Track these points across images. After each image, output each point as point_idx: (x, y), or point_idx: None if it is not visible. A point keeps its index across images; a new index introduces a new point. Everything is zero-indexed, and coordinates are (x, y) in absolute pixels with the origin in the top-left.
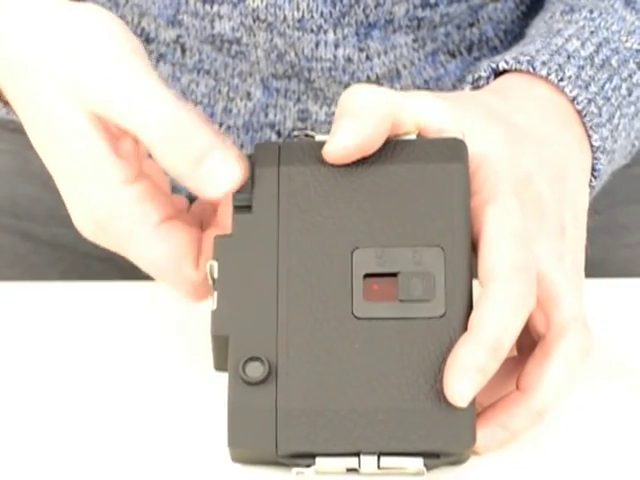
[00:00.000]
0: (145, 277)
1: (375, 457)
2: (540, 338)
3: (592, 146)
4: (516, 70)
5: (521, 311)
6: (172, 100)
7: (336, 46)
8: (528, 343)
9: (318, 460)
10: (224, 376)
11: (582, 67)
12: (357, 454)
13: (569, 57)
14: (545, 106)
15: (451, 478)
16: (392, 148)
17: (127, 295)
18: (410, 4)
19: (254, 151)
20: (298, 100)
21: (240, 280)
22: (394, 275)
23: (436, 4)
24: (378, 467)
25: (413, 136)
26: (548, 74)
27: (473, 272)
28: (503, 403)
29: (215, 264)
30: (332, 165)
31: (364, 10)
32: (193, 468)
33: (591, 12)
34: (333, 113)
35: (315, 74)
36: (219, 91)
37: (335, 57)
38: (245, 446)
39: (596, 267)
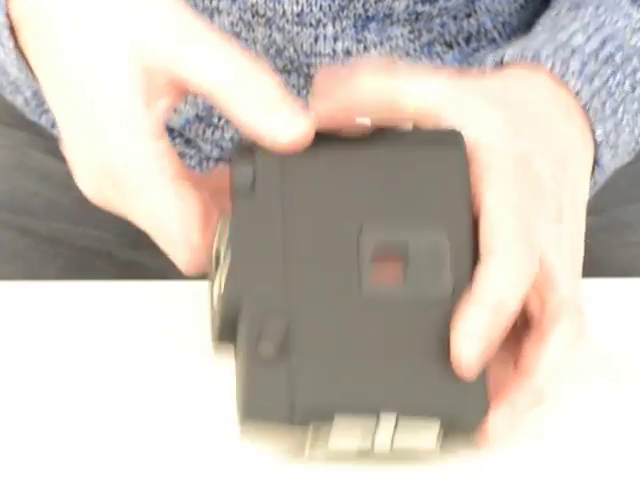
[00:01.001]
0: (145, 273)
1: (394, 416)
2: (535, 320)
3: (595, 140)
4: (520, 63)
5: (522, 278)
6: (240, 50)
7: (335, 39)
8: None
9: (336, 419)
10: (225, 376)
11: (586, 62)
12: (376, 413)
13: (573, 52)
14: (548, 98)
15: (452, 477)
16: (390, 137)
17: (127, 295)
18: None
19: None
20: (298, 94)
21: (247, 260)
22: (401, 256)
23: None
24: (393, 437)
25: (409, 127)
26: (552, 67)
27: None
28: (505, 385)
29: (221, 246)
30: (333, 150)
31: (364, 5)
32: (195, 467)
33: (597, 8)
34: None
35: (314, 69)
36: None
37: (334, 51)
38: (260, 416)
39: (598, 266)
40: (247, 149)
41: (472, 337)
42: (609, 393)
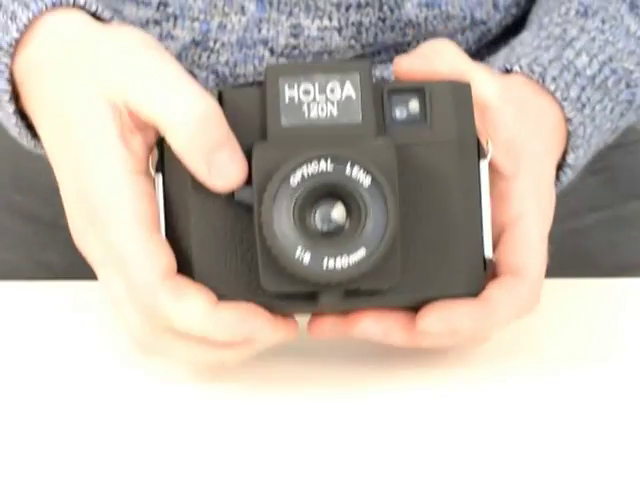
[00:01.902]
0: None
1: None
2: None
3: (565, 162)
4: (528, 75)
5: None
6: (196, 92)
7: None
8: None
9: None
10: (224, 376)
11: (584, 88)
12: None
13: (576, 75)
14: (542, 115)
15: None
16: None
17: None
18: None
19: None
20: (290, 14)
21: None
22: None
23: None
24: None
25: None
26: (555, 91)
27: None
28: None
29: None
30: None
31: None
32: (195, 467)
33: (603, 23)
34: (325, 27)
35: None
36: (215, 6)
37: None
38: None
39: (598, 261)
40: None
41: None
42: (609, 393)
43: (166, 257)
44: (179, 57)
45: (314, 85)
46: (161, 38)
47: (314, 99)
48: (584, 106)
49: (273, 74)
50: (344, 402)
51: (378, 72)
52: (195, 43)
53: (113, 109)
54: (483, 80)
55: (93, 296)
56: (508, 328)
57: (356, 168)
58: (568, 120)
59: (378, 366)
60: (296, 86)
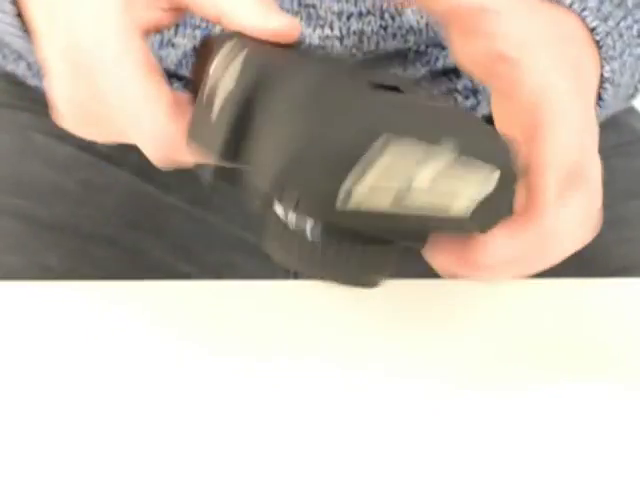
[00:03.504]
0: (146, 260)
1: (456, 147)
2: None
3: (602, 75)
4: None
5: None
6: None
7: None
8: None
9: (392, 142)
10: (225, 376)
11: (602, 1)
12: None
13: None
14: (564, 27)
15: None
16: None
17: (127, 294)
18: None
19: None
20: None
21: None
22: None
23: None
24: (437, 177)
25: None
26: (571, 3)
27: None
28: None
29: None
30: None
31: None
32: (195, 467)
33: None
34: (326, 36)
35: None
36: None
37: None
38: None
39: (598, 262)
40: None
41: None
42: (609, 393)
43: (166, 91)
44: (179, 65)
45: None
46: (162, 45)
47: None
48: (607, 18)
49: None
50: (344, 404)
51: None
52: (196, 51)
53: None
54: None
55: (93, 296)
56: (508, 328)
57: None
58: (593, 30)
59: (375, 369)
60: None
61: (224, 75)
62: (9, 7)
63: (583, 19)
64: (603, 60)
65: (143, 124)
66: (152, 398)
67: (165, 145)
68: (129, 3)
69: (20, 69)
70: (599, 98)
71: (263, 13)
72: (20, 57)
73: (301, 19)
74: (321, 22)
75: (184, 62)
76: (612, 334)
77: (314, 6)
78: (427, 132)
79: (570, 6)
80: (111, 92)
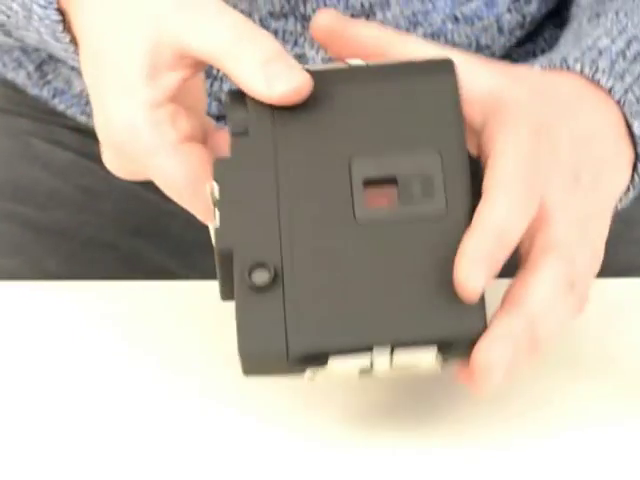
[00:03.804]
0: (145, 265)
1: (388, 349)
2: (523, 259)
3: (633, 134)
4: (550, 70)
5: (524, 212)
6: (242, 18)
7: None
8: None
9: (331, 360)
10: (225, 376)
11: (615, 61)
12: (370, 349)
13: (600, 53)
14: (579, 94)
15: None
16: (383, 69)
17: (127, 295)
18: None
19: None
20: (295, 44)
21: (241, 197)
22: (393, 180)
23: None
24: (391, 363)
25: (403, 60)
26: (582, 69)
27: (470, 174)
28: (493, 318)
29: (215, 185)
30: (325, 85)
31: None
32: (195, 468)
33: (617, 14)
34: (330, 58)
35: (310, 7)
36: None
37: None
38: (256, 353)
39: (603, 262)
40: (240, 93)
41: (478, 261)
42: (610, 393)
43: (198, 157)
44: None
45: None
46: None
47: None
48: (623, 76)
49: None
50: (343, 405)
51: None
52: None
53: (148, 44)
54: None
55: (93, 296)
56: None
57: None
58: (610, 91)
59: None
60: None
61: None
62: (62, 36)
63: (597, 82)
64: (629, 118)
65: (185, 196)
66: (152, 398)
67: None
68: (153, 71)
69: (20, 78)
70: (638, 158)
71: (267, 80)
72: (20, 65)
73: (305, 40)
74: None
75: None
76: (612, 334)
77: (305, 2)
78: (361, 340)
79: (581, 71)
80: (151, 172)
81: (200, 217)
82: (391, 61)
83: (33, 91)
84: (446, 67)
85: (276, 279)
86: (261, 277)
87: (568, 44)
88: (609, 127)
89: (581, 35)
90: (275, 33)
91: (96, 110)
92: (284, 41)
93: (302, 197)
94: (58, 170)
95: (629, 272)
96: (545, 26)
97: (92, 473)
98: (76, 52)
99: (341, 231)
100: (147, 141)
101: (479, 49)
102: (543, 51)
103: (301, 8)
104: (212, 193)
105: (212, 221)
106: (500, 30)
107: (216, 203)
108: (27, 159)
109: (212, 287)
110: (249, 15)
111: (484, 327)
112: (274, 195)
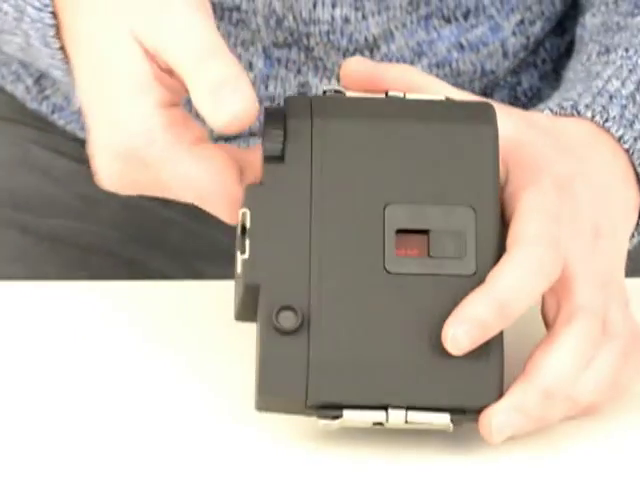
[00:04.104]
0: (145, 272)
1: (403, 411)
2: (549, 326)
3: None
4: (561, 116)
5: (538, 276)
6: (206, 27)
7: (333, 6)
8: None
9: (345, 412)
10: (225, 376)
11: (625, 106)
12: (385, 407)
13: (611, 97)
14: (591, 141)
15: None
16: (422, 106)
17: (127, 295)
18: None
19: (285, 103)
20: (299, 72)
21: (272, 228)
22: (425, 232)
23: None
24: (405, 421)
25: (442, 97)
26: (593, 116)
27: (502, 233)
28: (511, 387)
29: (247, 212)
30: (364, 119)
31: None
32: (194, 468)
33: (627, 51)
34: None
35: (314, 40)
36: None
37: (333, 18)
38: (275, 394)
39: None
40: (279, 113)
41: (467, 324)
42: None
43: (219, 154)
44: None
45: None
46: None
47: None
48: (632, 122)
49: None
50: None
51: None
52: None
53: (145, 51)
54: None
55: (93, 297)
56: (511, 327)
57: None
58: (620, 139)
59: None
60: None
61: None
62: (53, 41)
63: (607, 130)
64: (637, 166)
65: (214, 198)
66: (152, 398)
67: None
68: (157, 72)
69: (19, 91)
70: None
71: (213, 105)
72: (19, 79)
73: (308, 69)
74: (328, 73)
75: (187, 107)
76: None
77: (321, 59)
78: (377, 399)
79: (592, 118)
80: (173, 178)
81: (225, 219)
82: (430, 97)
83: (32, 105)
84: (488, 115)
85: (303, 323)
86: (288, 321)
87: (577, 84)
88: (619, 174)
89: (591, 74)
90: (278, 61)
91: (99, 121)
92: (287, 69)
93: (334, 236)
94: (58, 178)
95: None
96: (546, 35)
97: (92, 474)
98: (65, 60)
99: (369, 279)
100: (163, 144)
101: (484, 75)
102: (544, 61)
103: (304, 40)
104: (243, 219)
105: (235, 221)
106: (505, 54)
107: (246, 231)
108: (27, 167)
109: (212, 287)
110: (251, 44)
111: (498, 398)
112: (306, 230)
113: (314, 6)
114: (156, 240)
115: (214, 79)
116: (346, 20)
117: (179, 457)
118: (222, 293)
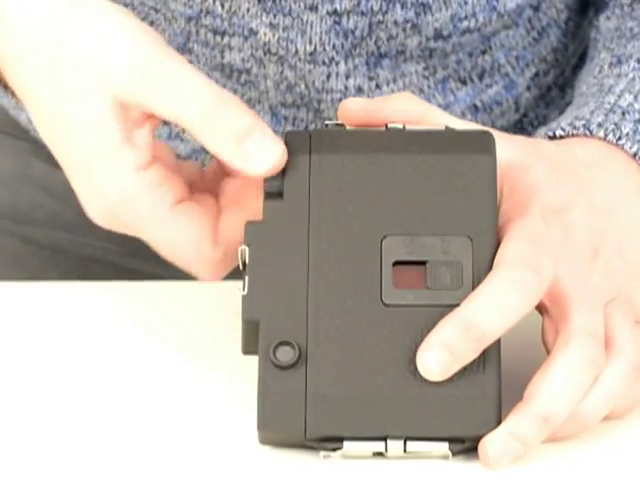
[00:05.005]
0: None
1: (402, 442)
2: (548, 350)
3: None
4: (574, 135)
5: (513, 299)
6: (209, 83)
7: (347, 76)
8: None
9: (346, 444)
10: (225, 376)
11: (638, 120)
12: (384, 438)
13: (624, 113)
14: (601, 158)
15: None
16: (421, 138)
17: (127, 295)
18: (423, 36)
19: (284, 138)
20: (306, 129)
21: (270, 265)
22: (423, 263)
23: (449, 35)
24: (404, 451)
25: (442, 127)
26: (605, 134)
27: None
28: (509, 414)
29: (246, 249)
30: (363, 153)
31: (376, 42)
32: (195, 468)
33: (638, 62)
34: None
35: (325, 105)
36: None
37: (346, 87)
38: (274, 429)
39: None
40: None
41: (432, 345)
42: None
43: (196, 217)
44: (189, 158)
45: None
46: (170, 137)
47: None
48: None
49: None
50: None
51: None
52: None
53: (113, 107)
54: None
55: (93, 297)
56: (514, 333)
57: None
58: (635, 156)
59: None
60: None
61: (250, 241)
62: None
63: (621, 147)
64: None
65: (187, 258)
66: (152, 399)
67: (213, 268)
68: (127, 133)
69: (22, 119)
70: None
71: (244, 158)
72: (22, 108)
73: (315, 127)
74: (324, 115)
75: (193, 157)
76: None
77: (330, 119)
78: (376, 431)
79: (605, 137)
80: (149, 236)
81: (205, 278)
82: (429, 128)
83: (36, 134)
84: (487, 145)
85: (300, 357)
86: (286, 356)
87: (590, 100)
88: (633, 188)
89: (604, 88)
90: (285, 119)
91: (79, 183)
92: (294, 126)
93: (331, 272)
94: (58, 193)
95: None
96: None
97: (92, 474)
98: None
99: (366, 312)
100: (143, 209)
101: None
102: (550, 89)
103: (315, 104)
104: (242, 256)
105: (217, 276)
106: (517, 110)
107: (245, 267)
108: (28, 181)
109: (213, 288)
110: (257, 102)
111: (496, 425)
112: (304, 264)
113: (327, 77)
114: (157, 254)
115: (236, 129)
116: (359, 89)
117: (179, 457)
118: (222, 294)
